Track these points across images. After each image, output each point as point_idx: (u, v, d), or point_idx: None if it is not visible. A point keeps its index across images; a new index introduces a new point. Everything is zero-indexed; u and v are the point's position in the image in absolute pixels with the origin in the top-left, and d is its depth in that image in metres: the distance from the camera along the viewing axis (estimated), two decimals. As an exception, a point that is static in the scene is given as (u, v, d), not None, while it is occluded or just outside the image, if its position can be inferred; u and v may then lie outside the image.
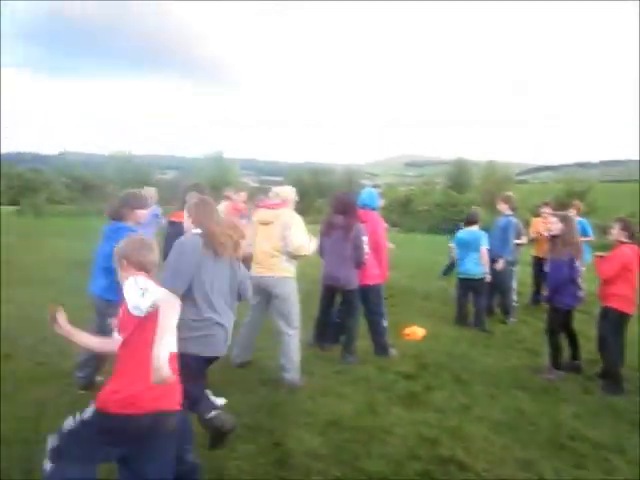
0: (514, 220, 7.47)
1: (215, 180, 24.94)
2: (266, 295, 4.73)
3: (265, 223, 4.67)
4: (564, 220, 5.20)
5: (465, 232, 7.18)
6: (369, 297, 5.46)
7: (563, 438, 3.85)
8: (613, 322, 4.99)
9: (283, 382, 4.59)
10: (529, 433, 3.91)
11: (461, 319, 7.15)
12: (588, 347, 5.59)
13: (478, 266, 6.93)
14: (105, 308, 3.78)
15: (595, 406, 4.53)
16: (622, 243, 5.00)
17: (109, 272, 3.51)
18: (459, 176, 28.73)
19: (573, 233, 5.17)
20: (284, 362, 4.65)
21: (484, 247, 6.93)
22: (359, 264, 5.16)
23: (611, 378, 4.93)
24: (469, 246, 6.99)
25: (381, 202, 5.83)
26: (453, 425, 3.93)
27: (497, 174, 28.51)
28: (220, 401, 3.64)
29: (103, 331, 3.23)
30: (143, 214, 4.11)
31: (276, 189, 4.97)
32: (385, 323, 5.59)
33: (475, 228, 7.13)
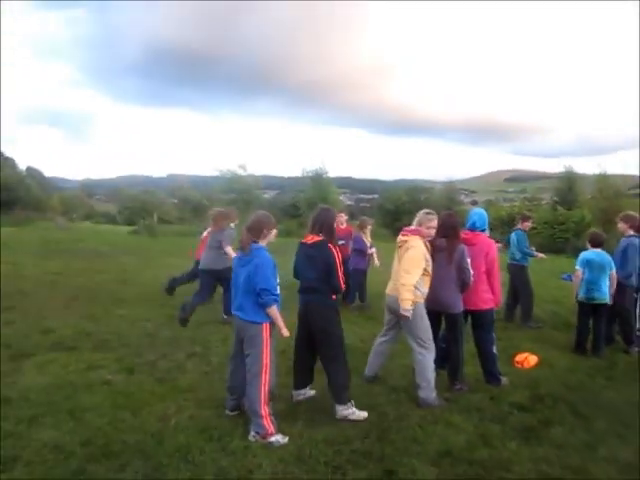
0: (637, 241, 6.92)
1: (314, 198, 25.37)
2: (395, 313, 4.86)
3: (399, 246, 4.95)
4: None
5: (594, 254, 6.73)
6: (480, 322, 5.29)
7: None
8: None
9: (418, 401, 4.71)
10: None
11: (581, 346, 6.72)
12: None
13: (605, 290, 6.57)
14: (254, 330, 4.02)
15: None
16: None
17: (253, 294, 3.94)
18: (567, 191, 27.17)
19: None
20: (419, 381, 4.75)
21: (613, 270, 6.61)
22: (464, 286, 5.04)
23: None
24: (600, 269, 6.61)
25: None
26: (576, 464, 3.68)
27: (609, 189, 26.62)
28: None
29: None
30: (275, 234, 4.30)
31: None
32: (495, 349, 5.37)
33: (601, 250, 6.74)
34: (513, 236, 8.54)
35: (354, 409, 4.36)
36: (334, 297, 4.49)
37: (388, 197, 33.51)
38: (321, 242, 4.41)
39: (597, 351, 6.54)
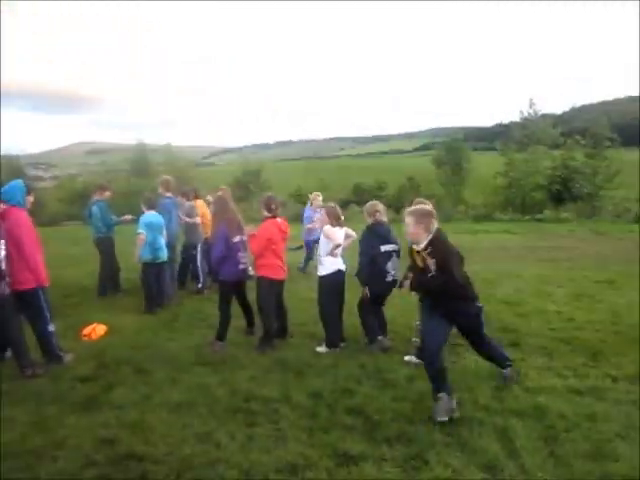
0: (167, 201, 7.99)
1: None
2: None
3: None
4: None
5: (152, 216, 7.17)
6: (27, 303, 4.89)
7: (238, 402, 4.14)
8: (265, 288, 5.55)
9: None
10: (208, 406, 4.07)
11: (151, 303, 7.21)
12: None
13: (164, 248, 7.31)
14: None
15: (267, 365, 5.00)
16: (267, 218, 5.58)
17: None
18: (140, 162, 28.14)
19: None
20: None
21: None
22: None
23: (265, 336, 5.55)
24: (159, 229, 7.16)
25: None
26: (133, 419, 3.84)
27: (179, 160, 28.85)
28: None
29: None
30: None
31: None
32: (51, 327, 5.07)
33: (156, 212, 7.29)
34: (95, 208, 8.15)
35: None
36: None
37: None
38: None
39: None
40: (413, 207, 4.31)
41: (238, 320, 5.99)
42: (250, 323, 6.04)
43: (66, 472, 3.18)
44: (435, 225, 3.96)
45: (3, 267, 4.52)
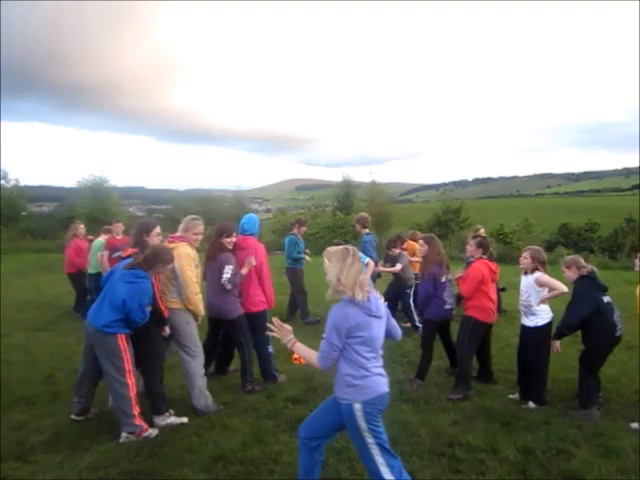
0: (369, 238, 8.22)
1: (95, 211, 23.47)
2: None
3: None
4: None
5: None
6: (253, 324, 5.40)
7: (442, 446, 4.04)
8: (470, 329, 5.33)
9: (194, 409, 4.67)
10: (411, 445, 4.04)
11: None
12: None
13: None
14: None
15: (470, 411, 4.81)
16: (478, 259, 5.38)
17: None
18: (345, 198, 29.63)
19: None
20: (190, 389, 4.71)
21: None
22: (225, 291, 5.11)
23: (461, 380, 5.28)
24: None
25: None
26: (339, 445, 3.96)
27: (380, 196, 29.70)
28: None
29: None
30: None
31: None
32: (270, 349, 5.56)
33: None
34: (285, 241, 8.91)
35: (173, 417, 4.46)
36: None
37: (177, 207, 32.72)
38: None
39: None
40: None
41: (439, 360, 5.89)
42: (454, 363, 5.89)
43: (280, 486, 3.41)
44: None
45: (228, 287, 5.07)
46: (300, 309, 8.87)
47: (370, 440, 2.93)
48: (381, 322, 3.04)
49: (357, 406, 2.90)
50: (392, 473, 2.92)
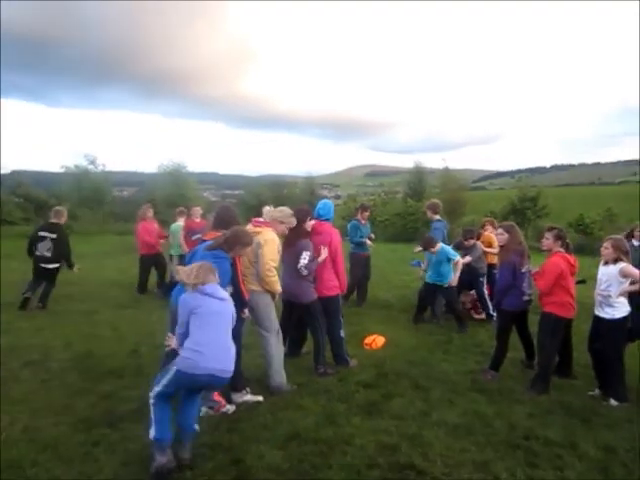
0: (440, 225, 8.13)
1: (173, 195, 24.47)
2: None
3: None
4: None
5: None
6: (327, 308, 5.49)
7: (517, 438, 3.96)
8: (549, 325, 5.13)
9: (269, 388, 4.85)
10: (485, 436, 3.99)
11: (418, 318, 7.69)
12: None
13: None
14: None
15: (548, 405, 4.67)
16: (556, 252, 5.16)
17: None
18: (417, 184, 29.26)
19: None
20: (268, 369, 4.90)
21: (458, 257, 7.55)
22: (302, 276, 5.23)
23: (541, 377, 5.09)
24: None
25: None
26: (412, 432, 3.99)
27: (453, 182, 29.06)
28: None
29: None
30: None
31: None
32: (342, 333, 5.63)
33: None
34: (349, 226, 8.92)
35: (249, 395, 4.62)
36: None
37: (251, 192, 33.52)
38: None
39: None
40: None
41: (514, 352, 5.75)
42: (530, 356, 5.73)
43: (353, 468, 3.47)
44: None
45: (304, 273, 5.17)
46: (358, 294, 8.92)
47: None
48: None
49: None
50: None
